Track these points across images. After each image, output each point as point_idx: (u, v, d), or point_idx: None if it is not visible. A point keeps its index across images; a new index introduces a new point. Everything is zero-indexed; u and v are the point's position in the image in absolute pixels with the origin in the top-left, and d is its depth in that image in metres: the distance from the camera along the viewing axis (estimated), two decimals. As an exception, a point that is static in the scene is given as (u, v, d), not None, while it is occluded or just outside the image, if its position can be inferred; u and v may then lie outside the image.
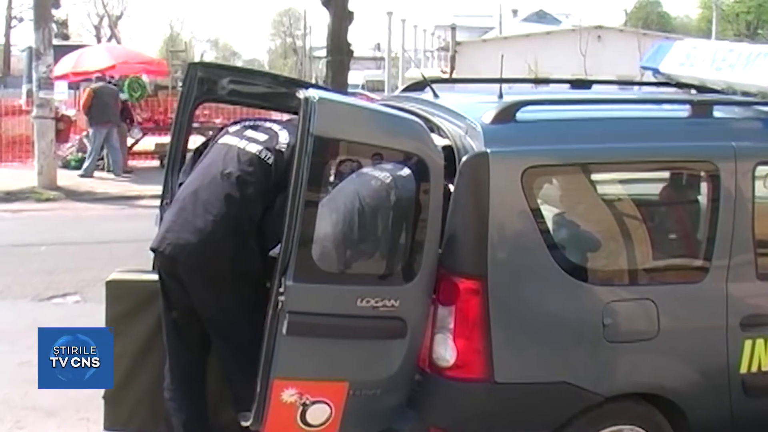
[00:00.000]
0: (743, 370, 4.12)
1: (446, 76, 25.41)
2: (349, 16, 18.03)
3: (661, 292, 4.04)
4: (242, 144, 4.27)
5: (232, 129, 4.46)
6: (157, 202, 4.89)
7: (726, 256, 4.09)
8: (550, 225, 4.04)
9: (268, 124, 4.42)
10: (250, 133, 4.34)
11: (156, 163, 17.50)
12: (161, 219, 4.61)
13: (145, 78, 19.00)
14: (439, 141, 3.97)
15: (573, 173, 4.18)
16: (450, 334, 3.78)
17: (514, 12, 64.43)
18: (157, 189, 5.01)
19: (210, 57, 71.09)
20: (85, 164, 16.33)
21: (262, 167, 4.17)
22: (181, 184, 4.45)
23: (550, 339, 3.88)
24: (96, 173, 16.34)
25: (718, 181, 4.12)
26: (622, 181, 4.51)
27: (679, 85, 5.48)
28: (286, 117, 4.97)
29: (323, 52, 23.08)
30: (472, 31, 49.15)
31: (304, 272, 3.65)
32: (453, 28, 34.43)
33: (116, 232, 11.29)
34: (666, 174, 4.64)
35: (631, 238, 4.19)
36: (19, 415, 5.54)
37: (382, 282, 3.82)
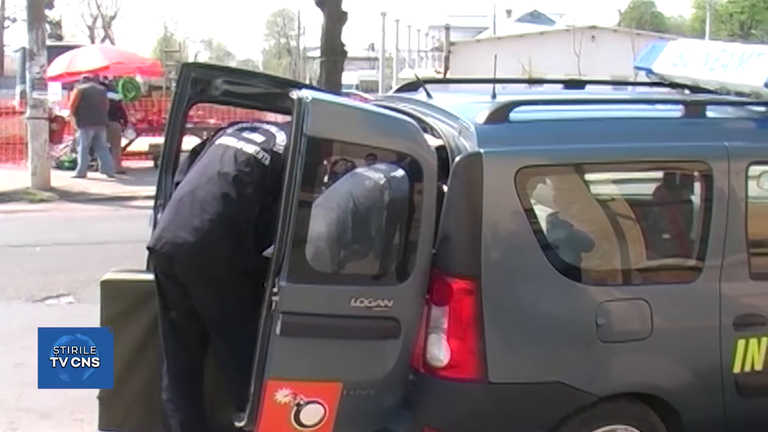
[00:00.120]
0: (736, 369, 4.13)
1: (440, 76, 25.47)
2: (343, 17, 18.03)
3: (655, 292, 4.05)
4: (240, 145, 4.28)
5: (230, 130, 4.46)
6: (151, 203, 4.89)
7: (719, 256, 4.10)
8: (543, 225, 4.05)
9: (265, 126, 4.43)
10: (247, 134, 4.35)
11: (150, 163, 17.46)
12: (155, 219, 4.61)
13: (139, 78, 19.02)
14: (433, 141, 3.98)
15: (566, 173, 4.19)
16: (443, 334, 3.79)
17: (508, 12, 64.34)
18: (151, 189, 5.00)
19: (204, 57, 70.80)
20: (78, 165, 16.31)
21: (259, 168, 4.17)
22: (177, 183, 4.46)
23: (543, 339, 3.88)
24: (89, 174, 16.31)
25: (711, 181, 4.13)
26: (615, 181, 4.52)
27: (673, 86, 5.48)
28: (282, 119, 4.97)
29: (317, 53, 23.07)
30: (466, 32, 49.12)
31: (298, 272, 3.66)
32: (447, 28, 34.50)
33: (110, 233, 11.28)
34: (659, 174, 4.65)
35: (625, 238, 4.19)
36: (13, 417, 5.53)
37: (375, 282, 3.83)
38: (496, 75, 4.43)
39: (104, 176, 16.33)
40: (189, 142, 4.88)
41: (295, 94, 3.74)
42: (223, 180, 4.15)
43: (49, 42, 18.12)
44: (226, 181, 4.14)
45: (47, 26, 22.95)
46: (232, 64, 66.77)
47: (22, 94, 18.44)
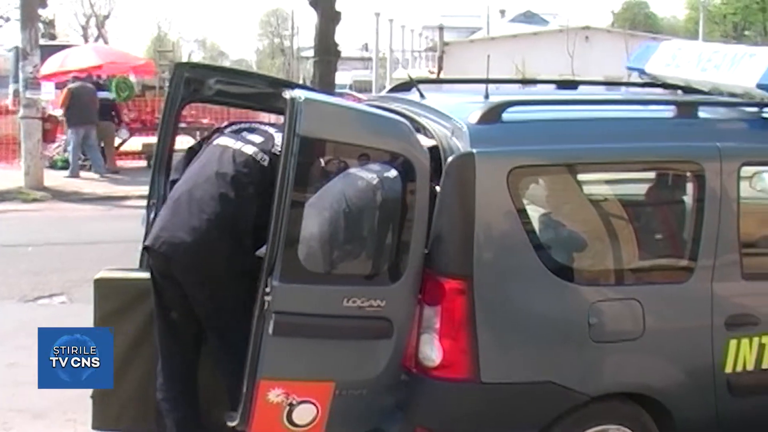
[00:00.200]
0: (728, 369, 4.14)
1: (434, 76, 25.47)
2: (336, 17, 18.05)
3: (647, 292, 4.05)
4: (238, 145, 4.28)
5: (228, 131, 4.47)
6: (144, 203, 4.88)
7: (711, 256, 4.11)
8: (536, 225, 4.05)
9: (264, 127, 4.43)
10: (246, 135, 4.36)
11: (143, 163, 17.48)
12: (148, 219, 4.61)
13: (132, 78, 18.97)
14: (426, 141, 3.98)
15: (559, 173, 4.19)
16: (436, 334, 3.79)
17: (502, 12, 64.39)
18: (144, 189, 5.00)
19: (197, 57, 70.61)
20: (70, 165, 16.29)
21: (257, 169, 4.18)
22: (173, 182, 4.46)
23: (535, 339, 3.89)
24: (83, 173, 16.30)
25: (703, 182, 4.13)
26: (608, 182, 4.52)
27: (665, 86, 5.49)
28: (276, 119, 4.96)
29: (311, 53, 23.10)
30: (459, 32, 49.17)
31: (291, 272, 3.66)
32: (440, 28, 34.51)
33: (103, 233, 11.26)
34: (652, 174, 4.65)
35: (617, 238, 4.20)
36: (6, 417, 5.52)
37: (368, 282, 3.83)
38: (490, 75, 4.44)
39: (97, 176, 16.31)
40: (182, 142, 4.87)
41: (288, 94, 3.73)
42: (221, 180, 4.15)
43: (42, 41, 18.12)
44: (225, 181, 4.14)
45: (40, 25, 22.94)
46: (226, 63, 66.66)
47: (16, 93, 18.44)
